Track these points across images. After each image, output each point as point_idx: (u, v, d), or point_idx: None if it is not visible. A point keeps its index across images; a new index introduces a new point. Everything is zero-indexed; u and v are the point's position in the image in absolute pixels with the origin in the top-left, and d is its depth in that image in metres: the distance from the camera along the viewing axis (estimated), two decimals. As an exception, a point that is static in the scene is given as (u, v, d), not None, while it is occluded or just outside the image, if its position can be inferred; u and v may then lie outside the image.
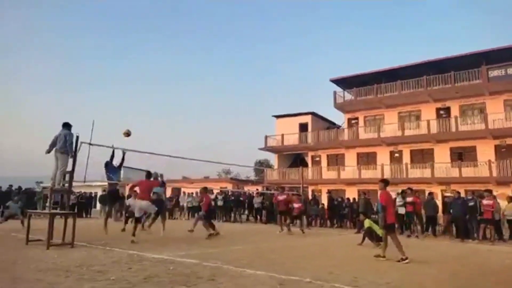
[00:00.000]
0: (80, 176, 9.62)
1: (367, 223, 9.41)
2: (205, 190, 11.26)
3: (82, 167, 9.43)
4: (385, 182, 7.40)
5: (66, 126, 8.46)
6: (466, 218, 12.36)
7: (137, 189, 9.64)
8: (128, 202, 12.08)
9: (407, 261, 6.71)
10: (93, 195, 22.84)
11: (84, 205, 20.99)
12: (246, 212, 21.07)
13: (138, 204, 9.04)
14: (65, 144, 8.16)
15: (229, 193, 21.83)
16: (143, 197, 9.16)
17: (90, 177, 10.48)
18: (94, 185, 24.20)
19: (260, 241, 10.31)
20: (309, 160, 29.52)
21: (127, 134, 10.19)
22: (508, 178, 20.48)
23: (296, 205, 13.26)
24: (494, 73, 22.30)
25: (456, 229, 13.04)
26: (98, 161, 10.71)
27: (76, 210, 13.03)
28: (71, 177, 8.64)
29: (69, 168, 8.56)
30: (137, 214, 9.11)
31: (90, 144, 9.67)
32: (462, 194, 16.71)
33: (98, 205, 22.63)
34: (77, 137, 8.75)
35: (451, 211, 13.07)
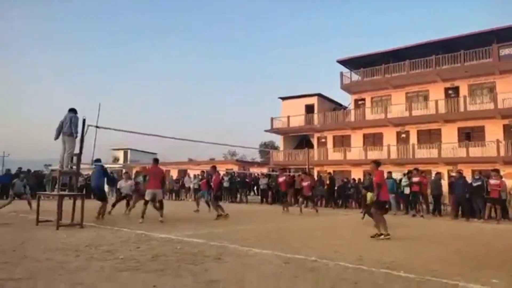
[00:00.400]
0: (87, 158, 9.75)
1: (369, 196, 9.34)
2: (214, 169, 11.27)
3: (89, 150, 9.55)
4: (376, 163, 7.74)
5: (72, 110, 8.49)
6: (467, 197, 12.38)
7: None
8: (119, 184, 12.23)
9: (382, 237, 7.02)
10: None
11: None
12: (252, 193, 21.24)
13: (150, 191, 9.33)
14: (71, 126, 8.20)
15: (235, 175, 21.96)
16: (155, 185, 9.42)
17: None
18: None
19: (266, 221, 10.40)
20: (315, 141, 29.43)
21: None
22: (516, 158, 20.29)
23: (304, 184, 13.21)
24: (506, 51, 21.80)
25: (461, 209, 13.05)
26: (105, 143, 10.79)
27: (84, 192, 13.16)
28: (79, 159, 8.72)
29: (77, 151, 8.64)
30: (147, 198, 9.31)
31: (97, 127, 9.71)
32: (469, 174, 16.63)
33: (106, 186, 22.87)
34: (84, 120, 8.78)
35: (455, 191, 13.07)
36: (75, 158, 8.66)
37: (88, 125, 9.17)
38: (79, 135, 8.54)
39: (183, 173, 27.36)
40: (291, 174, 19.52)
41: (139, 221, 8.76)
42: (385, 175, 14.41)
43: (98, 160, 10.55)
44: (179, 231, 7.54)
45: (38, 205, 8.24)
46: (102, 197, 9.79)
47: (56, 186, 8.90)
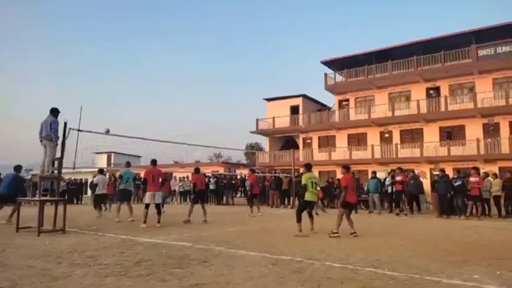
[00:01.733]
0: (69, 162, 9.54)
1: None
2: (252, 172, 12.52)
3: (71, 154, 9.34)
4: (346, 168, 8.51)
5: (53, 112, 8.29)
6: (448, 196, 12.63)
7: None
8: (95, 179, 12.08)
9: (337, 234, 7.47)
10: (83, 181, 22.63)
11: (74, 191, 20.88)
12: (239, 194, 21.19)
13: (150, 194, 9.23)
14: (50, 131, 8.03)
15: (222, 176, 21.87)
16: (154, 187, 9.26)
17: (80, 164, 10.40)
18: (84, 172, 23.99)
19: (253, 223, 10.39)
20: (300, 142, 29.61)
21: None
22: (494, 155, 20.86)
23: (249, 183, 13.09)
24: (484, 52, 22.38)
25: (441, 207, 13.29)
26: (87, 148, 10.61)
27: (66, 197, 12.93)
28: (60, 164, 8.53)
29: (58, 155, 8.45)
30: (147, 201, 9.27)
31: (79, 130, 9.53)
32: (450, 173, 17.00)
33: (89, 191, 22.46)
34: (65, 123, 8.60)
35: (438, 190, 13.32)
36: (56, 163, 8.48)
37: (70, 129, 9.00)
38: (60, 140, 8.35)
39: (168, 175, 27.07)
40: (278, 175, 19.57)
41: (142, 226, 8.74)
42: (370, 175, 14.98)
43: (18, 168, 10.26)
44: (165, 235, 7.46)
45: (19, 212, 8.03)
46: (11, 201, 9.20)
47: (37, 192, 8.68)
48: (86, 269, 4.40)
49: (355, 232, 7.61)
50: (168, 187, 15.55)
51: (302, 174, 9.72)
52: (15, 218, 7.99)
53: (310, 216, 8.32)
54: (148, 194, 9.24)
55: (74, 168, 10.03)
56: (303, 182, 8.08)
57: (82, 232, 7.85)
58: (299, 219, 7.86)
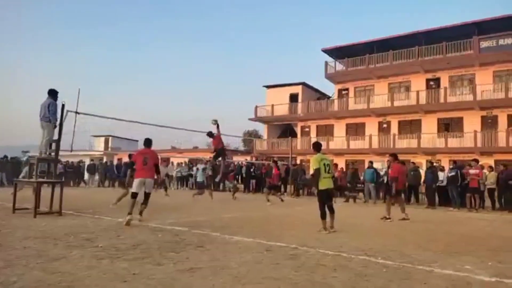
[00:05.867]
0: (67, 145, 9.52)
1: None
2: (275, 164, 12.72)
3: (69, 136, 9.31)
4: (394, 156, 9.06)
5: (51, 93, 8.22)
6: (434, 187, 13.09)
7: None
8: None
9: (390, 220, 8.18)
10: (81, 164, 22.63)
11: (72, 174, 20.90)
12: (235, 181, 21.22)
13: (138, 181, 7.26)
14: (48, 113, 7.98)
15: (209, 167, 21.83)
16: (146, 173, 7.34)
17: (77, 146, 10.39)
18: (82, 154, 23.97)
19: (249, 210, 10.46)
20: (298, 130, 29.60)
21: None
22: (491, 148, 20.94)
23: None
24: (486, 44, 22.23)
25: (428, 197, 13.42)
26: (85, 130, 10.59)
27: (63, 179, 12.93)
28: (58, 146, 8.52)
29: (56, 137, 8.43)
30: (134, 189, 7.30)
31: (76, 112, 9.49)
32: (447, 164, 17.07)
33: (86, 174, 22.50)
34: (63, 105, 8.55)
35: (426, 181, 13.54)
36: (54, 145, 8.46)
37: (68, 111, 8.96)
38: (58, 122, 8.32)
39: (166, 161, 27.13)
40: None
41: (126, 219, 6.79)
42: (367, 164, 15.16)
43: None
44: (161, 219, 7.50)
45: (15, 193, 8.05)
46: None
47: (34, 173, 8.68)
48: (82, 251, 4.44)
49: (407, 218, 8.56)
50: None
51: (299, 163, 9.81)
52: (16, 200, 8.01)
53: (331, 210, 6.66)
54: (136, 181, 7.24)
55: (71, 150, 10.04)
56: (315, 166, 6.52)
57: (79, 215, 7.89)
58: (323, 215, 6.49)
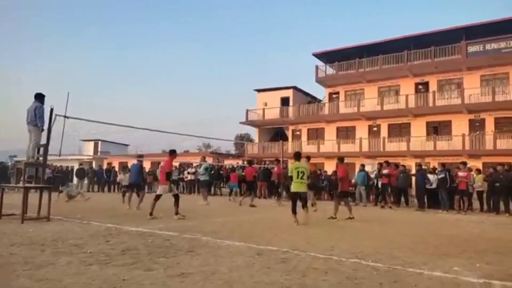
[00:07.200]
0: (55, 149, 9.39)
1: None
2: (278, 162, 12.95)
3: (57, 141, 9.18)
4: (341, 160, 9.76)
5: (38, 97, 8.12)
6: (433, 189, 13.14)
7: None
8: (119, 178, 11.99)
9: (335, 219, 8.52)
10: (69, 169, 22.35)
11: (60, 179, 20.60)
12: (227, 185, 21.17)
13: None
14: (35, 117, 7.88)
15: (211, 166, 21.82)
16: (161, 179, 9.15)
17: (66, 151, 10.26)
18: (70, 159, 23.69)
19: (240, 214, 10.43)
20: (289, 134, 29.69)
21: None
22: (479, 151, 21.27)
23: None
24: (473, 48, 22.65)
25: (418, 200, 13.56)
26: (74, 135, 10.47)
27: (52, 184, 12.75)
28: (46, 151, 8.39)
29: (44, 142, 8.31)
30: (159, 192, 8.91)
31: (65, 117, 9.36)
32: (436, 167, 17.27)
33: (75, 179, 22.22)
34: (51, 109, 8.44)
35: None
36: (42, 149, 8.34)
37: (56, 115, 8.84)
38: (45, 125, 8.21)
39: (156, 165, 26.95)
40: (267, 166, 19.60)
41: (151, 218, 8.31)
42: (357, 167, 15.37)
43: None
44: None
45: (2, 198, 7.90)
46: None
47: (22, 178, 8.54)
48: (70, 257, 4.36)
49: (352, 217, 8.73)
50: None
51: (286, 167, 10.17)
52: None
53: (304, 207, 8.05)
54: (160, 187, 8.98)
55: (60, 155, 9.89)
56: (290, 172, 8.08)
57: (67, 220, 7.77)
58: (293, 211, 7.91)
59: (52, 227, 6.78)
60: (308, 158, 10.38)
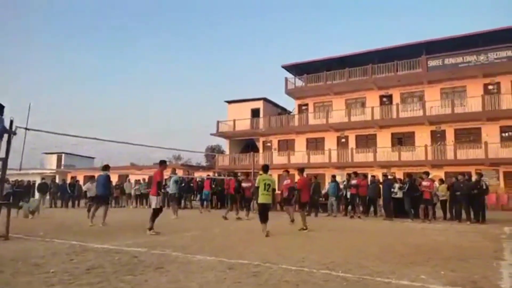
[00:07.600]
0: (15, 163, 8.93)
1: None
2: (287, 173, 13.33)
3: (18, 154, 8.75)
4: (301, 170, 9.68)
5: (-4, 109, 7.73)
6: (378, 199, 14.19)
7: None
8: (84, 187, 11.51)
9: (305, 230, 8.62)
10: (31, 183, 21.29)
11: (21, 194, 19.56)
12: (198, 198, 20.89)
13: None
14: None
15: (181, 179, 21.47)
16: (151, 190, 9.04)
17: (27, 165, 9.80)
18: (32, 173, 22.59)
19: (211, 227, 10.29)
20: (260, 145, 29.83)
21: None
22: (441, 161, 22.24)
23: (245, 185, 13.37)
24: (433, 63, 23.84)
25: (385, 209, 13.94)
26: (36, 148, 10.02)
27: (11, 200, 12.08)
28: (5, 164, 7.97)
29: (3, 155, 7.89)
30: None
31: (26, 129, 8.96)
32: (401, 177, 17.86)
33: (37, 194, 21.18)
34: (11, 121, 8.06)
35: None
36: (0, 163, 7.91)
37: (17, 127, 8.45)
38: (5, 138, 7.81)
39: (124, 178, 26.21)
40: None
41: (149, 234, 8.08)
42: (327, 178, 15.65)
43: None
44: (119, 240, 7.19)
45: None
46: None
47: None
48: (31, 277, 4.13)
49: (305, 228, 8.75)
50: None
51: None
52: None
53: (266, 218, 8.11)
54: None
55: (20, 169, 9.42)
56: (257, 184, 8.23)
57: (28, 238, 7.37)
58: (261, 221, 8.05)
59: (11, 246, 6.40)
60: (302, 170, 10.37)
